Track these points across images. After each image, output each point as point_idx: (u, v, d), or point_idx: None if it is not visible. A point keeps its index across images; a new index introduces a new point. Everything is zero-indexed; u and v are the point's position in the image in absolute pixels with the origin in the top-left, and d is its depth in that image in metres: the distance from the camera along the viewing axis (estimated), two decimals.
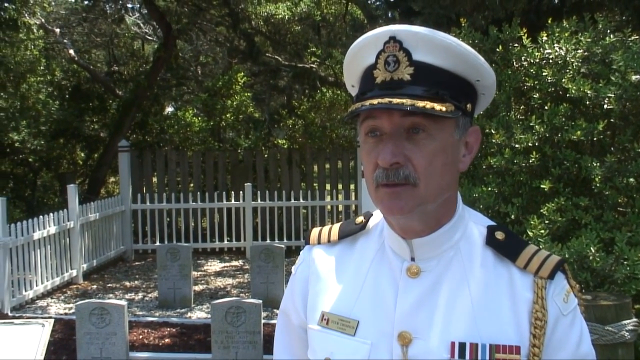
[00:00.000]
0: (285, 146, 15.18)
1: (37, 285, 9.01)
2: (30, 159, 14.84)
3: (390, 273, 1.39)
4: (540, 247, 3.75)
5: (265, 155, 13.79)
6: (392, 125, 1.28)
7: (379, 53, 1.31)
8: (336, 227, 1.55)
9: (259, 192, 12.43)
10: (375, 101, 1.26)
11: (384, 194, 1.30)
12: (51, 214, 9.44)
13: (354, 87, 1.44)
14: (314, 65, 16.40)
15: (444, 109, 1.26)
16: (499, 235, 1.39)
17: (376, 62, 1.32)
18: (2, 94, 12.93)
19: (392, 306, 1.36)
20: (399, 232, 1.38)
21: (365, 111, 1.29)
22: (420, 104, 1.24)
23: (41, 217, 9.18)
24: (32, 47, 13.54)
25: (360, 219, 1.53)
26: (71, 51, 16.80)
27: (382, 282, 1.40)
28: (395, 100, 1.24)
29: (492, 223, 1.44)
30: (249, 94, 15.71)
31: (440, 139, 1.29)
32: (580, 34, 4.62)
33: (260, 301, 6.11)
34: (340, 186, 13.29)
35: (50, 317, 7.72)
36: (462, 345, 1.29)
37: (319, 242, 1.54)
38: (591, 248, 3.68)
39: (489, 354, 1.28)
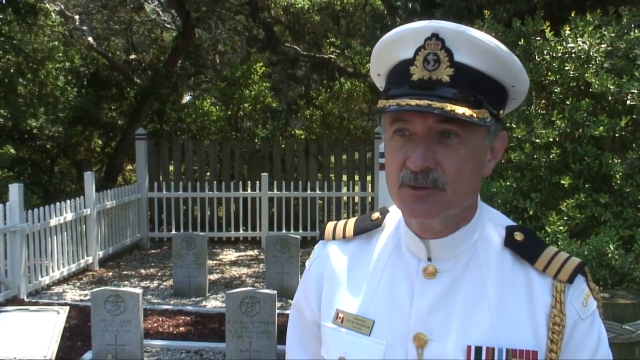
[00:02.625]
0: (303, 137, 15.15)
1: (53, 272, 9.07)
2: (47, 146, 14.90)
3: (407, 273, 1.37)
4: (559, 243, 3.72)
5: (282, 146, 13.78)
6: (425, 128, 1.23)
7: (418, 49, 1.25)
8: (351, 222, 1.52)
9: (275, 182, 12.43)
10: (413, 102, 1.21)
11: (408, 196, 1.26)
12: (68, 201, 9.48)
13: (379, 76, 1.39)
14: (333, 56, 16.34)
15: (480, 116, 1.22)
16: (518, 236, 1.36)
17: (414, 58, 1.25)
18: (20, 80, 12.97)
19: (408, 307, 1.34)
20: (417, 231, 1.35)
21: (399, 111, 1.24)
22: (460, 110, 1.20)
23: (58, 203, 9.22)
24: (51, 33, 13.57)
25: (376, 215, 1.50)
26: (90, 38, 16.83)
27: (398, 282, 1.37)
28: (436, 104, 1.19)
29: (512, 223, 1.41)
30: (267, 84, 15.69)
31: (471, 145, 1.25)
32: (603, 28, 4.56)
33: (275, 291, 6.10)
34: (356, 177, 13.27)
35: (65, 304, 7.79)
36: (478, 350, 1.27)
37: (333, 238, 1.51)
38: (610, 245, 3.64)
39: (505, 359, 1.26)
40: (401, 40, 1.28)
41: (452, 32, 1.24)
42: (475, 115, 1.21)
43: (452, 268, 1.33)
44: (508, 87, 1.32)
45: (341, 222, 1.53)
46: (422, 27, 1.25)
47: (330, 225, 1.54)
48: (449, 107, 1.19)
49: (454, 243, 1.33)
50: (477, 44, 1.24)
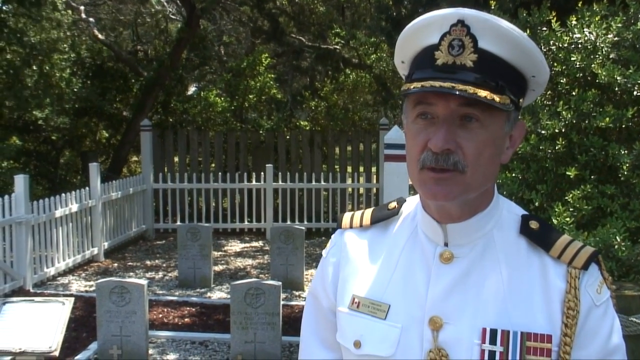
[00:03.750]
0: (307, 128, 15.13)
1: (58, 263, 9.09)
2: (53, 137, 14.91)
3: (423, 258, 1.40)
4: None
5: (287, 137, 13.76)
6: (447, 111, 1.26)
7: (443, 35, 1.29)
8: (368, 212, 1.55)
9: (280, 173, 12.43)
10: (437, 83, 1.24)
11: (428, 178, 1.29)
12: (73, 192, 9.49)
13: (403, 64, 1.42)
14: (338, 47, 16.29)
15: (502, 101, 1.26)
16: (533, 224, 1.39)
17: (439, 44, 1.29)
18: (26, 71, 12.96)
19: (424, 291, 1.36)
20: (435, 216, 1.38)
21: (423, 92, 1.27)
22: (482, 93, 1.23)
23: (63, 195, 9.24)
24: (59, 26, 13.55)
25: (393, 204, 1.53)
26: (95, 30, 16.80)
27: (414, 267, 1.40)
28: (459, 87, 1.23)
29: (526, 213, 1.43)
30: (272, 75, 15.66)
31: (491, 130, 1.29)
32: (610, 19, 4.53)
33: (280, 283, 6.10)
34: (361, 169, 13.26)
35: (71, 295, 7.81)
36: (493, 332, 1.29)
37: (350, 227, 1.54)
38: (617, 237, 3.63)
39: (520, 342, 1.28)
40: (428, 27, 1.31)
41: (478, 19, 1.27)
42: (497, 99, 1.24)
43: (468, 253, 1.36)
44: (528, 77, 1.35)
45: (358, 212, 1.57)
46: (448, 13, 1.29)
47: (347, 215, 1.57)
48: (472, 89, 1.23)
49: (471, 228, 1.36)
50: (501, 32, 1.27)
